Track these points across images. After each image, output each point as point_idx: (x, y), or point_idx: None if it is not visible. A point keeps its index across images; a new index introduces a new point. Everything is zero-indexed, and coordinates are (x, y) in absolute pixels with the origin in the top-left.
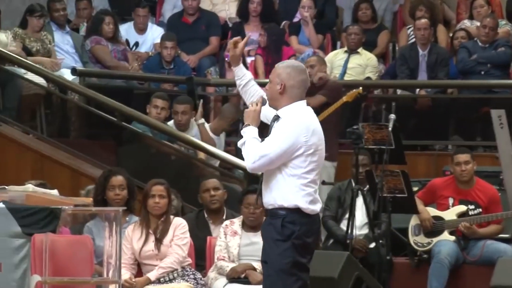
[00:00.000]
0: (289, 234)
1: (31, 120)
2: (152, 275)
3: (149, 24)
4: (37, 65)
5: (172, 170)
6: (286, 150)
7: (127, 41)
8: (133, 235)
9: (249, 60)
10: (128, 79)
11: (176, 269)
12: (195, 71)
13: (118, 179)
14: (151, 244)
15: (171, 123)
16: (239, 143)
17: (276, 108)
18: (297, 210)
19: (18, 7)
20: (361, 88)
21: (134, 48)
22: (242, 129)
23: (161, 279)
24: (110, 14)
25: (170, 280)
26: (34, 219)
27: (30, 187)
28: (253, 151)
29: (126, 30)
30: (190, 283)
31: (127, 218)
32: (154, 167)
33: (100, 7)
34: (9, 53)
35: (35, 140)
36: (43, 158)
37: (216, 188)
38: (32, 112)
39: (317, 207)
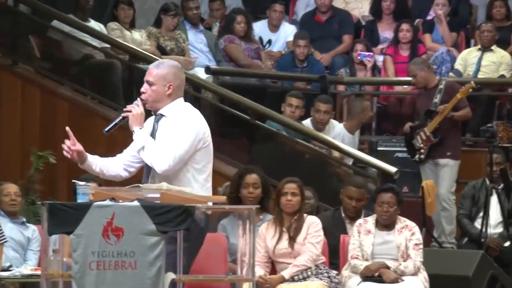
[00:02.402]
0: (197, 232)
1: None
2: (286, 273)
3: (282, 22)
4: None
5: (306, 169)
6: (191, 145)
7: (261, 39)
8: (267, 233)
9: (380, 58)
10: (261, 78)
11: (310, 267)
12: (328, 69)
13: (253, 177)
14: (284, 242)
15: (306, 122)
16: (136, 148)
17: (156, 109)
18: None
19: (152, 6)
20: (473, 82)
21: (267, 46)
22: (133, 134)
23: (295, 277)
24: (243, 13)
25: (304, 278)
26: (169, 217)
27: (164, 185)
28: (162, 154)
29: (260, 28)
30: (324, 281)
31: (261, 217)
32: (288, 166)
33: (233, 5)
34: (143, 52)
35: None
36: None
37: (359, 199)
38: None
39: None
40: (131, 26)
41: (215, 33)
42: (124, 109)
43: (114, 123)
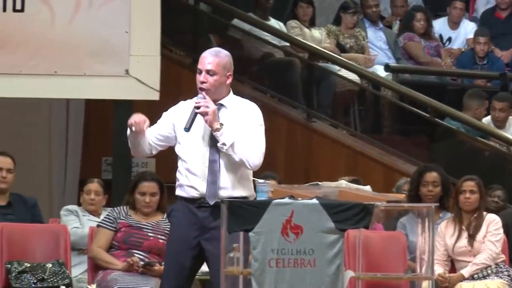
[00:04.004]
0: None
1: (344, 117)
2: (466, 271)
3: (462, 19)
4: (351, 62)
5: (486, 167)
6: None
7: (441, 37)
8: (446, 231)
9: None
10: (441, 75)
11: (490, 266)
12: (508, 66)
13: (432, 175)
14: (464, 241)
15: (487, 119)
16: (227, 145)
17: (215, 100)
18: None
19: (331, 4)
20: None
21: (447, 43)
22: (215, 132)
23: (475, 275)
24: (422, 10)
25: (484, 277)
26: (347, 214)
27: (343, 183)
28: (253, 150)
29: (440, 25)
30: (504, 280)
31: (440, 215)
32: (468, 164)
33: (414, 3)
34: (323, 50)
35: (349, 136)
36: (356, 154)
37: None
38: (346, 108)
39: None
40: (311, 24)
41: (395, 31)
42: (195, 105)
43: (191, 119)
